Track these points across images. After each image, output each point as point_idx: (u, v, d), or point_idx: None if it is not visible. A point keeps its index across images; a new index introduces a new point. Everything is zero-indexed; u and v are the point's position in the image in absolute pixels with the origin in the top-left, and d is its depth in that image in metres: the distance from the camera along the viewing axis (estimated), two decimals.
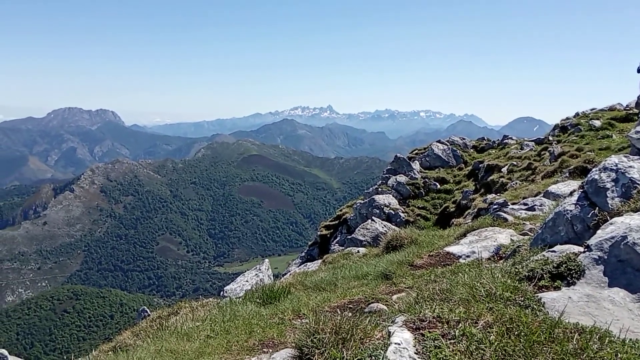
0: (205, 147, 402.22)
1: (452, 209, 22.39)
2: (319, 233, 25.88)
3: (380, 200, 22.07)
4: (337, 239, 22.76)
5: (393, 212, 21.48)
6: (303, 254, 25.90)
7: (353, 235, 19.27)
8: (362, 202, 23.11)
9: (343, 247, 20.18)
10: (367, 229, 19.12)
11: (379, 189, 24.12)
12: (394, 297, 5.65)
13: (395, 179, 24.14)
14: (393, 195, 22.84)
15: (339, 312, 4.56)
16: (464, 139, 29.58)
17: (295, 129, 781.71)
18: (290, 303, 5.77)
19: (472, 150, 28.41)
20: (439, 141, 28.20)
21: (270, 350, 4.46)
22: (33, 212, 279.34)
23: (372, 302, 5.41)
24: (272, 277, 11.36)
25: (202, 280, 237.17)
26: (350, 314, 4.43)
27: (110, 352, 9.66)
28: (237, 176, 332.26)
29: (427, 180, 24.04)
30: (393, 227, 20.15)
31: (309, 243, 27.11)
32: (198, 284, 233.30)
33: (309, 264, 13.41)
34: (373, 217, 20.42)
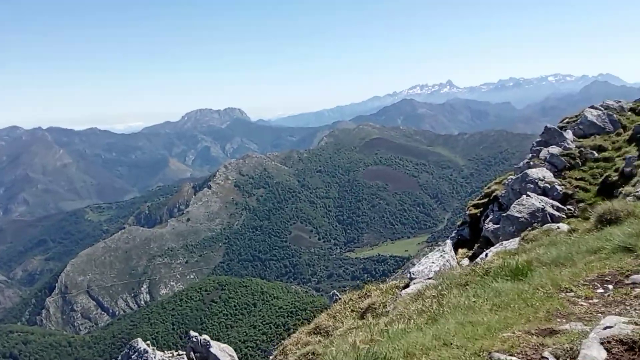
0: (327, 135, 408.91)
1: (614, 178, 20.98)
2: (468, 212, 25.48)
3: (533, 174, 21.24)
4: (490, 217, 22.22)
5: (549, 186, 20.60)
6: (453, 234, 25.70)
7: (508, 212, 18.82)
8: (514, 177, 22.35)
9: (498, 226, 19.79)
10: (523, 205, 18.59)
11: (530, 163, 23.15)
12: None
13: (548, 151, 23.02)
14: (547, 168, 21.83)
15: (598, 285, 4.63)
16: (619, 101, 27.49)
17: (415, 108, 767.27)
18: (540, 278, 5.87)
19: (629, 113, 26.38)
20: (592, 107, 26.49)
21: (564, 320, 4.64)
22: (177, 209, 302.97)
23: (631, 275, 5.33)
24: (454, 258, 11.50)
25: (335, 266, 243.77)
26: (611, 287, 4.48)
27: (311, 334, 10.46)
28: (361, 161, 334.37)
29: (582, 149, 22.65)
30: (550, 201, 19.42)
31: (458, 224, 26.80)
32: (332, 270, 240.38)
33: (505, 242, 13.23)
34: (528, 192, 19.78)
